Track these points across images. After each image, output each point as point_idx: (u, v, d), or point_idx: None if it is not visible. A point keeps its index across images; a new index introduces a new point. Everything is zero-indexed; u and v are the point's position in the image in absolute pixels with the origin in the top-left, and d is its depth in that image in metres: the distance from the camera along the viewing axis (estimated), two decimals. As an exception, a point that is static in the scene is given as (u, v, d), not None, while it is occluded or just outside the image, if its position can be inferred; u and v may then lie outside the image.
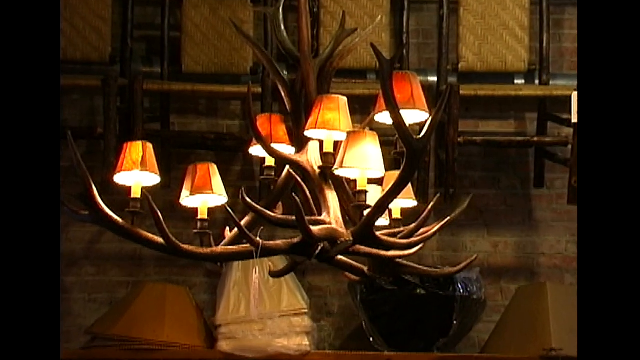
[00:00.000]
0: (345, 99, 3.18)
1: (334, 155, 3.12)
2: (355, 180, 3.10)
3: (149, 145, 3.13)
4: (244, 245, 3.05)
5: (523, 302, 4.95)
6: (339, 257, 3.15)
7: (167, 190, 4.85)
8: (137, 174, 3.11)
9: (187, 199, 3.20)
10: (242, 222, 3.10)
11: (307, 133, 3.17)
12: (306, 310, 4.91)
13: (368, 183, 3.09)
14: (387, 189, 3.00)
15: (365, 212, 3.03)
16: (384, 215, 3.19)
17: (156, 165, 3.14)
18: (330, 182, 3.16)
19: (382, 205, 3.01)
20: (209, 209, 3.20)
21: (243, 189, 2.98)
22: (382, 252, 3.13)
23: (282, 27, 3.46)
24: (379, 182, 3.26)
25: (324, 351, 4.98)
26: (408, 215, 3.40)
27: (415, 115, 3.11)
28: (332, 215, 3.05)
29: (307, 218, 2.91)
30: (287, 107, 3.35)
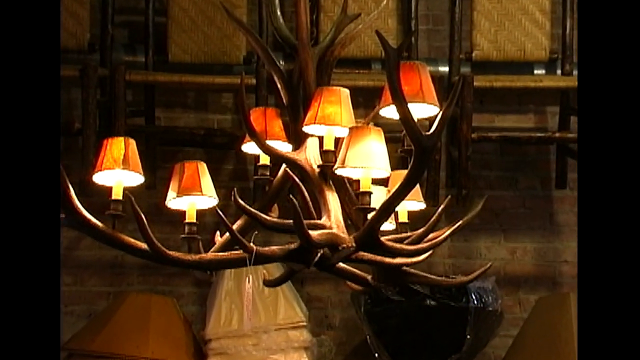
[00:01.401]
0: (347, 91, 3.19)
1: (335, 153, 3.13)
2: (358, 181, 3.11)
3: (132, 142, 3.14)
4: (237, 252, 3.06)
5: (544, 314, 4.96)
6: (341, 264, 3.17)
7: (151, 191, 4.88)
8: (118, 174, 3.12)
9: (173, 201, 3.21)
10: (234, 226, 3.12)
11: (306, 129, 3.18)
12: (305, 323, 4.92)
13: (372, 184, 3.10)
14: (393, 190, 3.01)
15: (369, 216, 3.05)
16: (389, 219, 3.21)
17: (140, 164, 3.15)
18: (331, 182, 3.17)
19: (388, 208, 3.02)
20: (197, 211, 3.21)
21: (235, 189, 3.00)
22: (388, 260, 3.14)
23: (278, 12, 3.47)
24: (384, 182, 3.28)
25: (324, 368, 5.00)
26: (416, 218, 3.42)
27: (425, 110, 3.12)
28: (333, 219, 3.07)
29: (305, 222, 2.92)
30: (284, 100, 3.36)
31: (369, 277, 3.26)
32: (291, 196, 2.86)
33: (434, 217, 3.20)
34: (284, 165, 3.27)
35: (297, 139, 3.28)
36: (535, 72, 5.39)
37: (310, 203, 3.10)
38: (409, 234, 3.26)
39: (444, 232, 3.23)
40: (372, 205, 3.06)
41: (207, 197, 3.21)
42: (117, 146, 3.11)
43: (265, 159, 3.31)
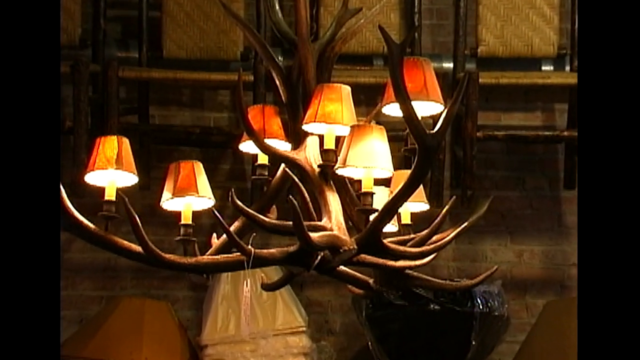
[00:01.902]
0: (348, 88, 3.20)
1: (335, 152, 3.13)
2: (359, 181, 3.12)
3: (125, 141, 3.15)
4: (234, 255, 3.06)
5: (552, 319, 4.96)
6: (342, 267, 3.17)
7: (146, 191, 4.88)
8: (111, 174, 3.12)
9: (168, 202, 3.22)
10: (232, 228, 3.12)
11: (306, 127, 3.19)
12: (304, 329, 4.93)
13: (374, 184, 3.10)
14: (396, 191, 3.01)
15: (372, 217, 3.05)
16: (392, 221, 3.21)
17: (133, 164, 3.15)
18: (332, 182, 3.17)
19: (391, 209, 3.03)
20: (193, 213, 3.21)
21: (233, 190, 3.00)
22: (390, 263, 3.15)
23: (277, 6, 3.47)
24: (386, 182, 3.28)
25: (324, 375, 5.00)
26: (420, 220, 3.42)
27: (429, 107, 3.12)
28: (334, 220, 3.07)
29: (305, 223, 2.92)
30: (283, 97, 3.37)
31: (371, 281, 3.27)
32: (291, 197, 2.86)
33: (438, 219, 3.21)
34: (282, 165, 3.27)
35: (297, 137, 3.29)
36: (543, 68, 5.39)
37: (310, 204, 3.10)
38: (412, 236, 3.26)
39: (449, 234, 3.23)
40: (374, 207, 3.06)
41: (203, 198, 3.21)
42: (110, 145, 3.11)
43: (263, 159, 3.31)
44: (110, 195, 3.11)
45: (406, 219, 3.39)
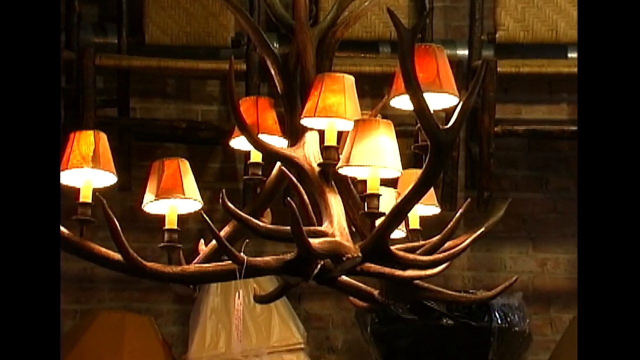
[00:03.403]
0: (352, 78, 3.20)
1: (337, 149, 3.14)
2: (364, 181, 3.12)
3: (103, 136, 3.15)
4: (224, 263, 3.06)
5: (578, 336, 4.97)
6: (344, 277, 3.17)
7: (126, 193, 4.88)
8: (87, 173, 3.12)
9: (151, 204, 3.22)
10: (222, 233, 3.12)
11: (304, 121, 3.19)
12: (302, 346, 4.93)
13: (381, 185, 3.11)
14: (405, 193, 3.01)
15: (378, 222, 3.05)
16: (400, 226, 3.21)
17: (112, 162, 3.16)
18: (333, 183, 3.18)
19: (399, 213, 3.03)
20: (179, 216, 3.21)
21: (223, 191, 3.00)
22: (398, 272, 3.15)
23: (273, -14, 3.48)
24: (394, 183, 3.28)
25: (324, 398, 5.02)
26: (431, 225, 3.42)
27: (442, 99, 3.13)
28: (336, 225, 3.07)
29: (304, 228, 2.92)
30: (279, 88, 3.37)
31: (376, 293, 3.27)
32: (288, 199, 2.86)
33: (451, 224, 3.21)
34: (278, 164, 3.27)
35: (294, 133, 3.29)
36: (569, 55, 5.38)
37: (310, 207, 3.10)
38: (422, 242, 3.26)
39: (463, 241, 3.23)
40: (380, 210, 3.06)
41: (190, 200, 3.21)
42: (86, 141, 3.11)
43: (256, 156, 3.32)
44: (85, 196, 3.11)
45: (415, 224, 3.39)
